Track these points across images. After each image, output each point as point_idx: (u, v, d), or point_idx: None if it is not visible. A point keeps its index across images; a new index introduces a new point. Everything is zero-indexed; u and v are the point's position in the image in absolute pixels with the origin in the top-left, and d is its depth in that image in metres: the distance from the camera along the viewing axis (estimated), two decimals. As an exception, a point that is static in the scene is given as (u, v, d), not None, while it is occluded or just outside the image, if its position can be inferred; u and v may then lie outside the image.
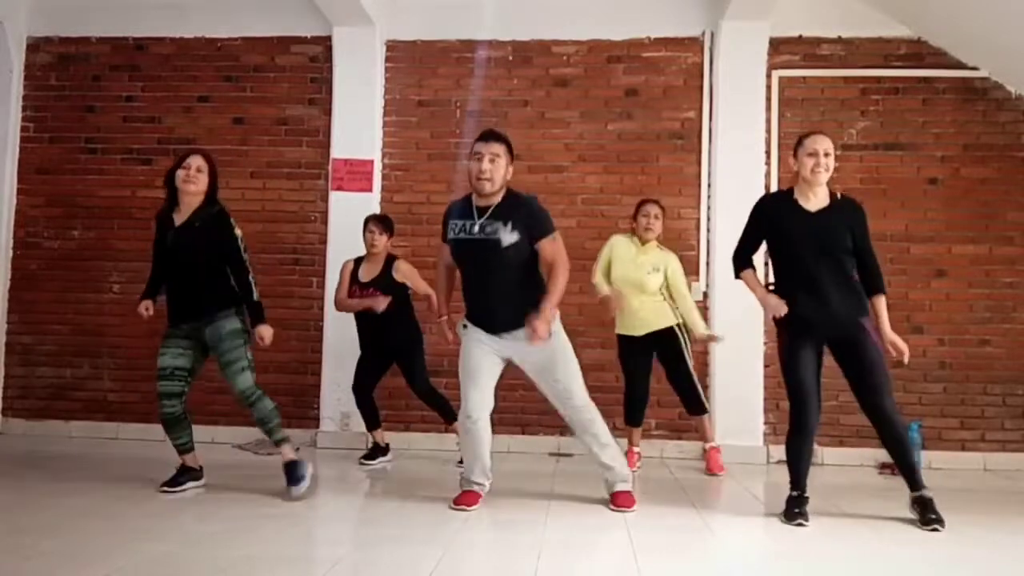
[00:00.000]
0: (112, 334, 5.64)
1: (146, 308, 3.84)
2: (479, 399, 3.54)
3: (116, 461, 4.62)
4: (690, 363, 4.64)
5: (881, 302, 3.53)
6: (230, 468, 4.36)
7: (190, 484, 3.77)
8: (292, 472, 3.66)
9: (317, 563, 2.81)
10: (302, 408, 5.50)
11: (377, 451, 4.83)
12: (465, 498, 3.55)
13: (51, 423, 5.63)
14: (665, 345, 4.63)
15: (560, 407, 3.65)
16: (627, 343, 4.67)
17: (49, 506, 3.36)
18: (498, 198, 3.52)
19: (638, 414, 4.74)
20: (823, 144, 3.47)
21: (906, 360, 3.51)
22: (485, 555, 2.83)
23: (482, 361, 3.55)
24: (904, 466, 3.48)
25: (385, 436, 4.89)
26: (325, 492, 4.30)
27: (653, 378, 4.75)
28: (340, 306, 4.81)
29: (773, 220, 3.55)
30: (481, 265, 3.52)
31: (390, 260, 4.75)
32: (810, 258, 3.44)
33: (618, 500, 3.59)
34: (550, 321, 3.42)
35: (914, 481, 3.46)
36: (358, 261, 4.82)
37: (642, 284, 4.59)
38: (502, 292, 3.50)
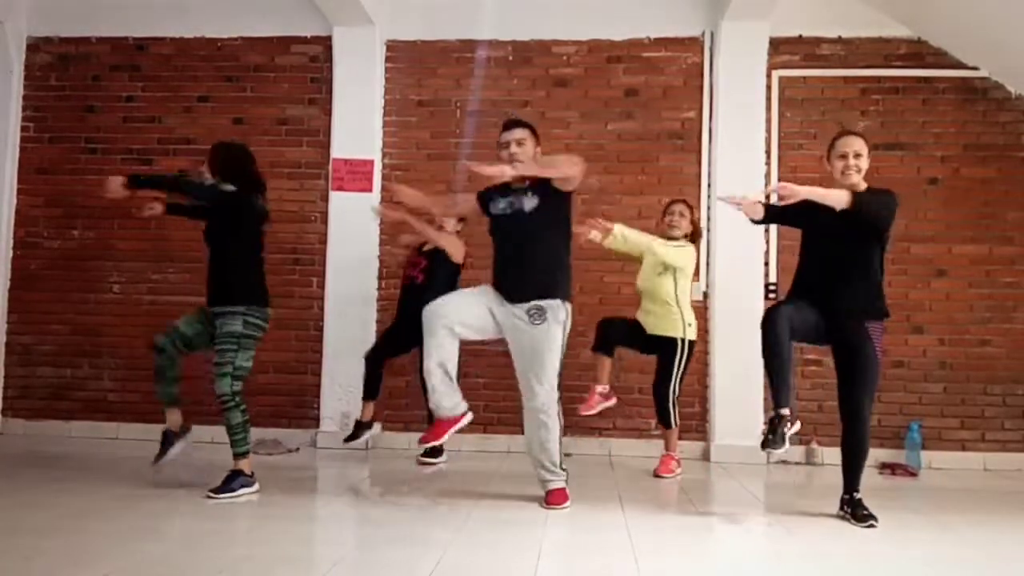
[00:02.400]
0: (112, 334, 5.64)
1: (118, 183, 3.67)
2: (454, 309, 3.54)
3: (116, 461, 4.62)
4: (674, 381, 4.61)
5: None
6: (228, 469, 4.35)
7: (180, 447, 3.78)
8: (231, 480, 3.62)
9: (317, 563, 2.81)
10: (302, 408, 5.51)
11: (360, 428, 4.82)
12: (435, 429, 3.58)
13: (51, 423, 5.63)
14: (661, 352, 4.65)
15: (523, 398, 3.64)
16: (622, 323, 4.66)
17: (49, 506, 3.36)
18: (530, 179, 3.64)
19: (607, 342, 4.60)
20: (853, 145, 3.48)
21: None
22: (485, 555, 2.83)
23: (475, 302, 3.62)
24: (853, 468, 3.48)
25: (371, 413, 4.86)
26: (325, 492, 4.30)
27: (649, 378, 4.78)
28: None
29: (809, 215, 3.51)
30: (510, 241, 3.65)
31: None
32: (832, 252, 3.47)
33: (552, 498, 3.58)
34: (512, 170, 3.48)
35: (853, 483, 3.47)
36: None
37: (654, 290, 4.60)
38: (524, 269, 3.59)
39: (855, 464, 3.47)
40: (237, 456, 3.67)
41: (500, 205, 3.70)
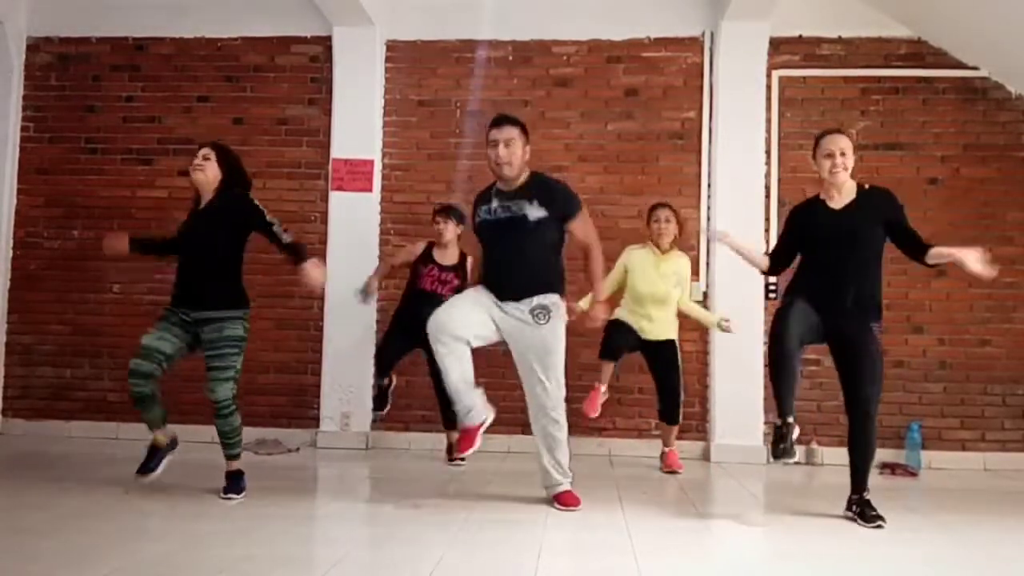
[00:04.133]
0: (112, 334, 5.64)
1: (118, 241, 3.70)
2: (456, 323, 3.48)
3: (116, 461, 4.62)
4: (681, 375, 4.69)
5: (936, 249, 3.54)
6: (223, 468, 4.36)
7: (166, 460, 3.70)
8: (239, 479, 3.64)
9: (317, 563, 2.81)
10: (302, 408, 5.51)
11: (383, 391, 4.86)
12: (466, 439, 3.51)
13: (51, 423, 5.63)
14: (664, 353, 4.69)
15: (529, 401, 3.62)
16: (624, 328, 4.65)
17: (49, 506, 3.36)
18: (521, 180, 3.60)
19: (615, 349, 4.64)
20: (839, 143, 3.49)
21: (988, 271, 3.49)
22: (485, 555, 2.83)
23: (474, 304, 3.57)
24: (860, 467, 3.47)
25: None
26: (325, 492, 4.30)
27: (648, 378, 4.79)
28: (388, 266, 4.94)
29: (802, 225, 3.57)
30: (506, 244, 3.56)
31: (463, 254, 4.82)
32: (833, 254, 3.46)
33: (562, 499, 3.58)
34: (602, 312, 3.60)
35: (862, 483, 3.47)
36: (429, 246, 4.87)
37: (667, 297, 4.64)
38: (521, 268, 3.55)
39: (864, 463, 3.46)
40: (232, 458, 3.67)
41: (493, 209, 3.61)
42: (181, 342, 3.62)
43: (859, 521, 3.37)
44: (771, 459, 3.45)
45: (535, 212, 3.53)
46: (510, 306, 3.56)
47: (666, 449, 4.80)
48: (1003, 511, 3.93)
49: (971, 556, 3.02)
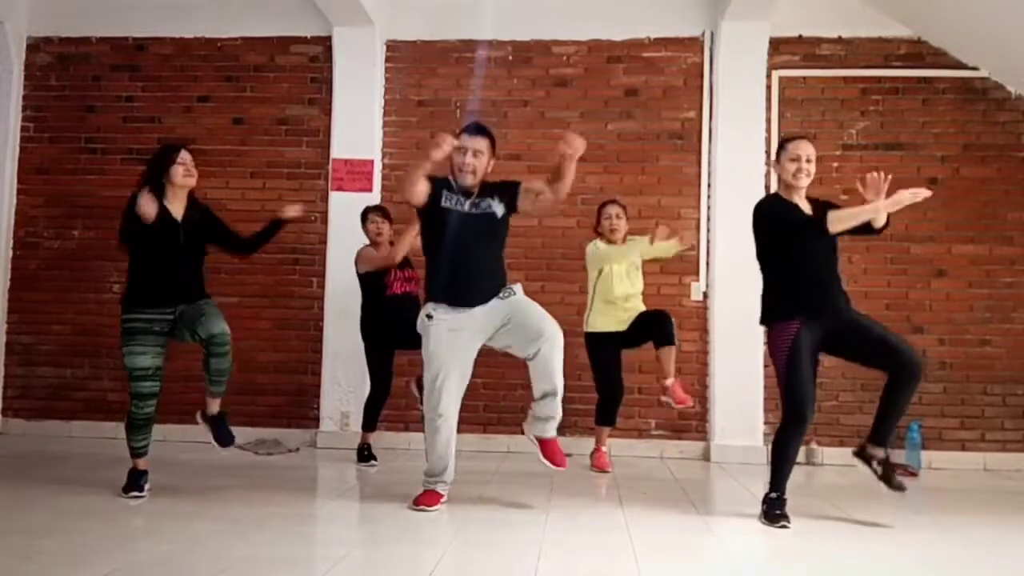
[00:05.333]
0: (112, 334, 5.57)
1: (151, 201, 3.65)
2: (454, 396, 3.52)
3: (116, 461, 4.61)
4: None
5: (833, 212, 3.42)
6: (230, 468, 4.36)
7: (146, 486, 3.70)
8: (220, 424, 3.73)
9: (317, 563, 2.81)
10: (302, 408, 5.51)
11: (366, 452, 4.83)
12: (427, 498, 3.49)
13: (51, 423, 5.63)
14: (655, 317, 4.66)
15: (534, 344, 3.50)
16: (603, 340, 4.68)
17: (49, 506, 3.36)
18: (478, 186, 3.62)
19: (613, 413, 4.76)
20: (806, 150, 3.49)
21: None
22: (485, 555, 2.83)
23: (462, 358, 3.54)
24: (892, 423, 3.41)
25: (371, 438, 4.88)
26: (325, 492, 4.30)
27: (648, 377, 4.79)
28: (391, 257, 4.72)
29: (780, 218, 3.52)
30: (473, 238, 3.54)
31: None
32: (819, 253, 3.47)
33: (549, 446, 3.60)
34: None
35: (886, 435, 3.43)
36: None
37: (635, 286, 4.71)
38: (485, 265, 3.57)
39: (899, 407, 3.40)
40: (218, 395, 3.73)
41: (457, 201, 3.57)
42: (164, 345, 3.73)
43: (884, 484, 3.42)
44: (763, 521, 3.41)
45: (499, 209, 3.58)
46: (480, 312, 3.53)
47: (667, 382, 4.63)
48: (1003, 511, 3.94)
49: (971, 556, 3.02)
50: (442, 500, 3.53)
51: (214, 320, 3.60)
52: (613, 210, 4.73)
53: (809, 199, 3.56)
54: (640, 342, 4.73)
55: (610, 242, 4.71)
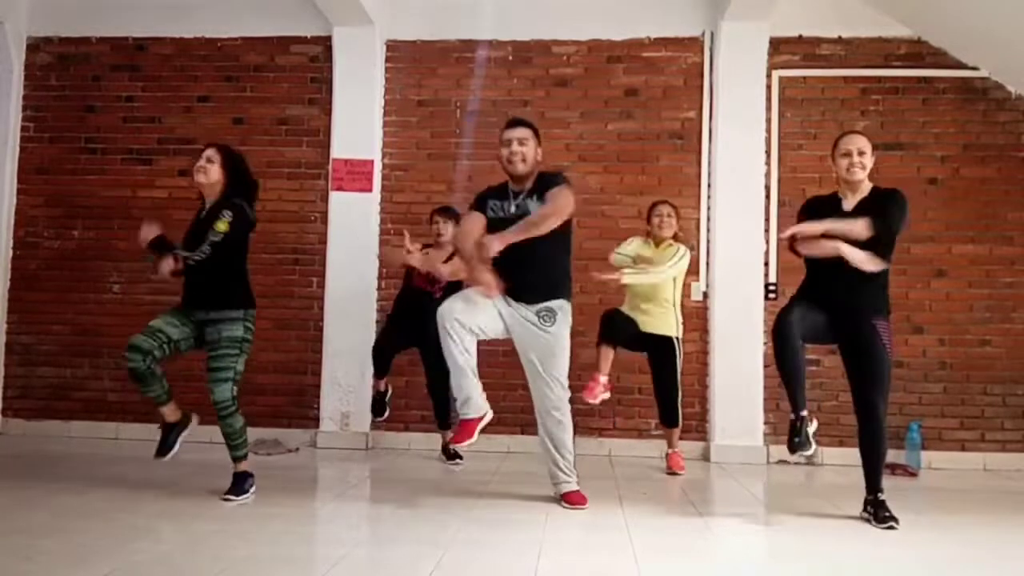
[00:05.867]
0: (112, 334, 5.63)
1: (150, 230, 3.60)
2: (465, 317, 3.48)
3: (116, 461, 4.62)
4: (679, 376, 4.67)
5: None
6: (230, 468, 4.35)
7: (179, 440, 3.67)
8: (243, 481, 3.62)
9: (317, 563, 2.81)
10: (302, 408, 5.51)
11: (381, 397, 4.88)
12: (463, 431, 3.52)
13: (51, 423, 5.63)
14: (660, 351, 4.68)
15: (535, 400, 3.65)
16: (622, 317, 4.66)
17: (49, 506, 3.36)
18: (531, 181, 3.64)
19: (614, 334, 4.63)
20: (856, 143, 3.50)
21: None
22: (485, 555, 2.83)
23: (485, 304, 3.55)
24: (872, 468, 3.48)
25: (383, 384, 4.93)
26: (325, 492, 4.30)
27: (648, 377, 4.78)
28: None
29: (813, 215, 3.52)
30: (516, 245, 3.51)
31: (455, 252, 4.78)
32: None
33: (569, 499, 3.61)
34: (500, 243, 3.38)
35: (875, 484, 3.47)
36: (424, 247, 4.84)
37: (658, 290, 4.62)
38: (530, 270, 3.56)
39: (874, 464, 3.46)
40: (238, 460, 3.65)
41: (502, 207, 3.66)
42: (189, 333, 3.62)
43: (872, 522, 3.38)
44: (789, 454, 3.49)
45: (536, 209, 3.57)
46: (519, 307, 3.60)
47: (669, 451, 4.79)
48: (1003, 511, 3.94)
49: (971, 556, 3.02)
50: (480, 424, 3.53)
51: (213, 385, 3.53)
52: (664, 209, 4.71)
53: (874, 188, 3.54)
54: (651, 363, 4.77)
55: (658, 241, 4.68)
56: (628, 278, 4.52)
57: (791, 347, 3.39)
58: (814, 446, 3.47)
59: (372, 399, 5.01)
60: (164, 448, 3.67)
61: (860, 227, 3.35)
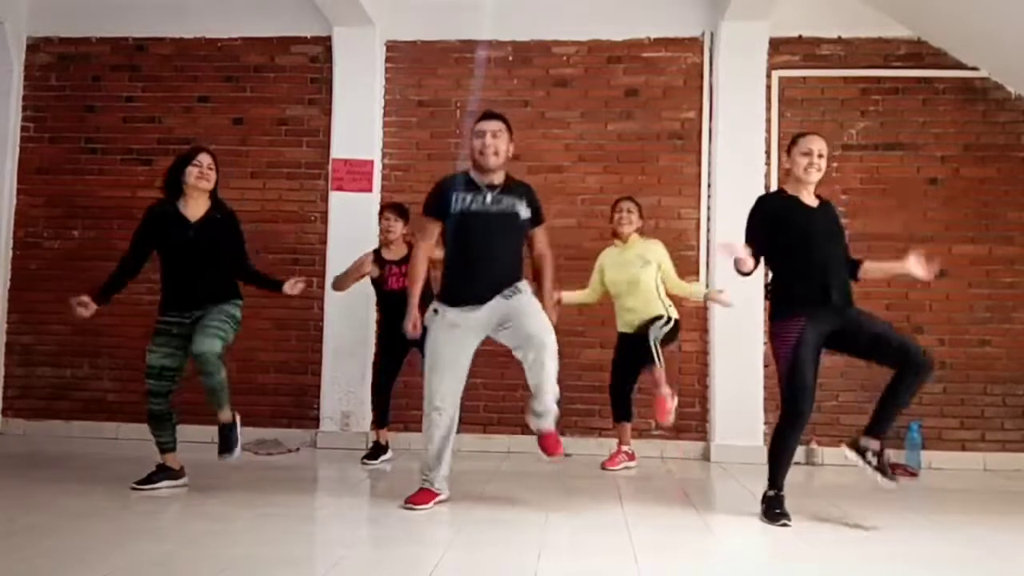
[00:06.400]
0: (112, 334, 5.64)
1: (83, 304, 3.73)
2: (450, 389, 3.51)
3: (116, 461, 4.62)
4: (658, 361, 4.53)
5: (870, 264, 3.60)
6: (230, 468, 4.35)
7: (165, 484, 3.74)
8: (230, 433, 3.69)
9: (317, 563, 2.81)
10: (302, 408, 5.51)
11: (379, 450, 4.83)
12: (418, 496, 3.48)
13: (51, 423, 5.63)
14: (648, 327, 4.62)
15: (523, 339, 3.47)
16: (624, 340, 4.73)
17: (48, 506, 3.36)
18: (501, 176, 3.61)
19: (621, 408, 4.74)
20: (818, 145, 3.50)
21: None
22: (485, 555, 2.83)
23: (458, 353, 3.53)
24: (891, 414, 3.39)
25: (388, 436, 4.89)
26: (325, 492, 4.31)
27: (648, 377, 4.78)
28: (342, 282, 4.81)
29: (779, 216, 3.50)
30: (493, 236, 3.53)
31: (410, 245, 4.75)
32: (821, 249, 3.47)
33: (547, 441, 3.54)
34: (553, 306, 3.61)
35: (883, 428, 3.40)
36: (376, 251, 4.85)
37: (636, 280, 4.63)
38: (503, 262, 3.54)
39: (897, 411, 3.40)
40: (223, 408, 3.69)
41: (474, 200, 3.55)
42: (184, 351, 3.71)
43: (880, 476, 3.36)
44: (763, 520, 3.42)
45: (524, 211, 3.58)
46: (483, 308, 3.50)
47: (659, 393, 4.62)
48: (1003, 511, 3.94)
49: (971, 556, 3.02)
50: (436, 499, 3.51)
51: (202, 337, 3.58)
52: (625, 204, 4.75)
53: (816, 196, 3.57)
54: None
55: (622, 237, 4.71)
56: (566, 298, 4.59)
57: (802, 427, 3.40)
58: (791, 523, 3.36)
59: (373, 445, 4.89)
60: (147, 482, 3.72)
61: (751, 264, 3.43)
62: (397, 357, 4.81)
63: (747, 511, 3.65)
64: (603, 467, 4.71)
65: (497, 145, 3.53)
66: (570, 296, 4.70)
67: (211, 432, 4.73)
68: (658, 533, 3.21)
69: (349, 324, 5.42)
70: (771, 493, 3.43)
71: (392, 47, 5.69)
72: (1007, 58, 5.20)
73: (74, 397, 5.68)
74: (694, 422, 5.32)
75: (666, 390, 4.54)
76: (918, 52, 5.45)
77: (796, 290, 3.47)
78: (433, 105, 5.66)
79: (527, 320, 3.47)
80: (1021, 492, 4.52)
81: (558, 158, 5.53)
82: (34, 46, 5.89)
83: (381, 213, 4.87)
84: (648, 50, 5.60)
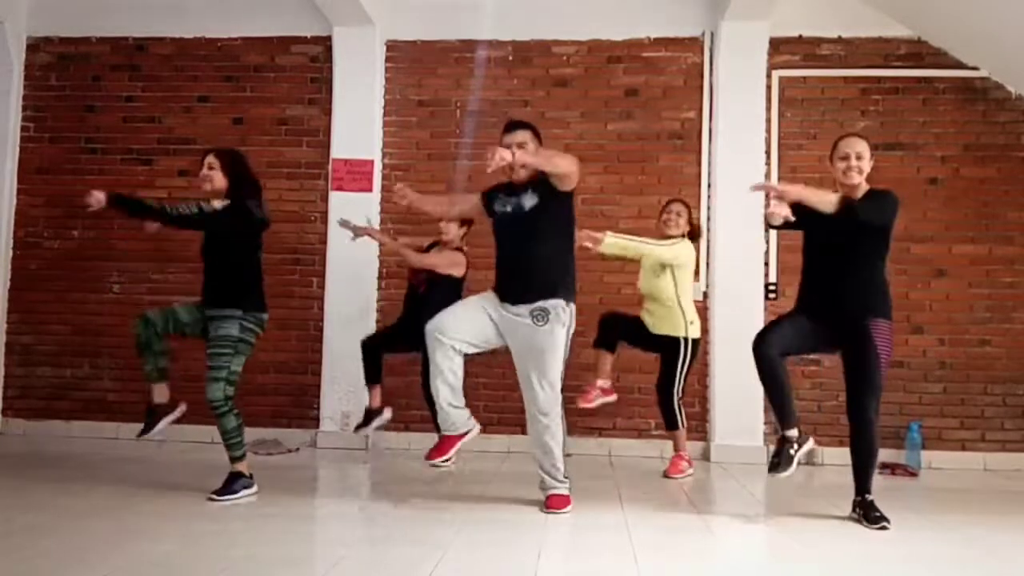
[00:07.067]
0: (112, 334, 5.64)
1: (98, 200, 3.56)
2: (458, 330, 3.51)
3: (116, 461, 4.62)
4: (678, 383, 4.56)
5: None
6: (230, 469, 4.35)
7: (165, 422, 3.68)
8: (232, 482, 3.60)
9: (317, 563, 2.81)
10: (302, 408, 5.51)
11: (370, 415, 4.78)
12: (445, 444, 3.57)
13: (51, 423, 5.63)
14: (664, 352, 4.61)
15: (525, 400, 3.57)
16: (624, 319, 4.63)
17: (48, 506, 3.36)
18: (523, 175, 3.59)
19: (609, 338, 4.60)
20: (855, 147, 3.48)
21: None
22: (485, 555, 2.83)
23: (476, 314, 3.58)
24: (862, 469, 3.48)
25: (378, 398, 4.82)
26: (325, 492, 4.31)
27: (648, 377, 4.78)
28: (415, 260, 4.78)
29: (811, 216, 3.47)
30: (511, 241, 3.60)
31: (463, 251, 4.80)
32: (826, 258, 3.48)
33: (552, 503, 3.51)
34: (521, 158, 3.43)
35: (865, 485, 3.47)
36: (428, 248, 4.88)
37: (651, 291, 4.57)
38: (525, 267, 3.54)
39: (864, 466, 3.47)
40: (235, 459, 3.65)
41: (503, 205, 3.63)
42: (199, 319, 3.67)
43: (864, 523, 3.37)
44: (769, 472, 3.49)
45: (529, 201, 3.54)
46: (513, 307, 3.53)
47: (674, 453, 4.69)
48: (1003, 511, 3.94)
49: (971, 556, 3.02)
50: (461, 441, 3.57)
51: (207, 384, 3.56)
52: (675, 207, 4.63)
53: (869, 191, 3.52)
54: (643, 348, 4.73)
55: (667, 236, 4.60)
56: (608, 240, 4.36)
57: (771, 363, 3.43)
58: (793, 468, 3.46)
59: (366, 411, 4.84)
60: (145, 430, 3.69)
61: (832, 198, 3.33)
62: (406, 339, 4.68)
63: (747, 511, 3.65)
64: (666, 475, 4.60)
65: (523, 157, 3.46)
66: (612, 242, 4.40)
67: (211, 432, 4.74)
68: (658, 533, 3.21)
69: (349, 324, 5.42)
70: (779, 435, 3.53)
71: (392, 47, 5.69)
72: (1007, 58, 5.20)
73: (74, 397, 5.68)
74: (694, 422, 5.31)
75: (604, 383, 4.55)
76: (918, 52, 5.45)
77: (804, 294, 3.57)
78: (433, 105, 5.66)
79: (531, 371, 3.51)
80: (1021, 492, 4.52)
81: (558, 158, 5.52)
82: (34, 46, 5.89)
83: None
84: (648, 50, 5.60)
